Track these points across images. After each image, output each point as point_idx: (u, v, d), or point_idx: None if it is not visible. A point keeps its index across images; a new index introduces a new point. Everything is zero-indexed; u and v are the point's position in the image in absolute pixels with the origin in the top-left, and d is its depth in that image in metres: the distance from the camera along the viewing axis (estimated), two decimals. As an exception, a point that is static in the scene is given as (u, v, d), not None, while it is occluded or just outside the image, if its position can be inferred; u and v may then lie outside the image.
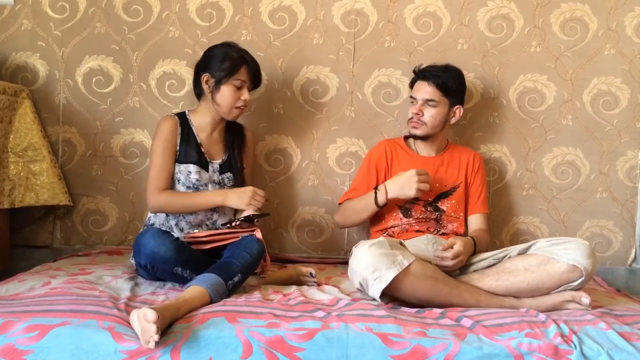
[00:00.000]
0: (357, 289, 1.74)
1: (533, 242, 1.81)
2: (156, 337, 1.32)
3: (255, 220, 1.94)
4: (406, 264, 1.63)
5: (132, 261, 1.97)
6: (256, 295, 1.71)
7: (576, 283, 1.68)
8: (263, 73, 2.39)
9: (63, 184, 2.35)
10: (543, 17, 2.41)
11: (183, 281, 1.79)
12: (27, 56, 2.42)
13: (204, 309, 1.53)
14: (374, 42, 2.42)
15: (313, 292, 1.79)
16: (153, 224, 2.04)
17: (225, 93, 2.02)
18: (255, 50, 2.39)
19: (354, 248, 1.86)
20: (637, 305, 1.81)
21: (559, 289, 1.70)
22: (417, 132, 2.13)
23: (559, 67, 2.42)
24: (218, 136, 2.14)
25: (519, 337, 1.43)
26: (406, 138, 2.27)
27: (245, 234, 1.91)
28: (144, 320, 1.34)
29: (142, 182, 2.43)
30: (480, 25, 2.42)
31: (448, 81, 2.11)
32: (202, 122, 2.11)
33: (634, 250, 2.45)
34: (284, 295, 1.73)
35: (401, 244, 1.83)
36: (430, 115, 2.10)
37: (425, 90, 2.11)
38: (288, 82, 2.43)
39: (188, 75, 2.41)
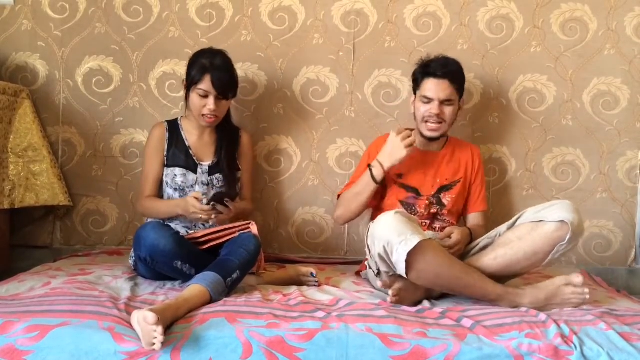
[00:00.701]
0: (379, 255, 1.69)
1: (519, 214, 1.84)
2: (161, 339, 1.32)
3: (224, 199, 1.90)
4: (427, 236, 1.68)
5: (131, 261, 1.98)
6: (256, 295, 1.71)
7: (567, 239, 1.71)
8: (262, 73, 2.41)
9: (63, 184, 2.35)
10: (543, 17, 2.41)
11: (182, 276, 1.80)
12: (27, 56, 2.42)
13: (204, 309, 1.53)
14: (374, 43, 2.42)
15: (313, 293, 1.79)
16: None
17: (193, 100, 2.04)
18: (255, 51, 2.40)
19: (370, 224, 1.83)
20: (638, 306, 1.81)
21: (555, 252, 1.73)
22: (437, 133, 2.08)
23: (559, 68, 2.42)
24: (209, 138, 2.16)
25: (519, 337, 1.43)
26: None
27: (242, 231, 1.91)
28: (144, 323, 1.34)
29: (142, 182, 2.43)
30: (480, 25, 2.42)
31: (459, 77, 2.08)
32: (190, 125, 2.15)
33: (634, 250, 2.45)
34: (284, 295, 1.73)
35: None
36: (448, 114, 2.06)
37: (443, 88, 2.03)
38: (288, 82, 2.43)
39: (188, 75, 2.41)
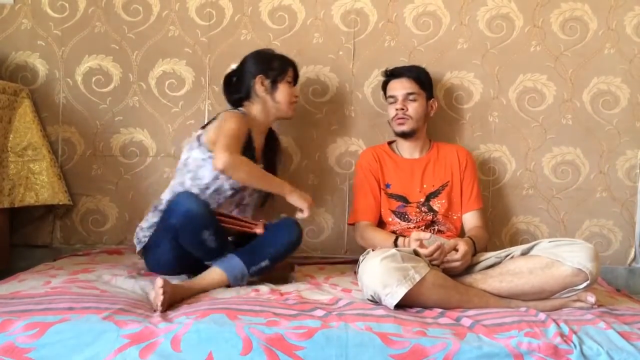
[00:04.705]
0: (370, 300, 1.69)
1: (536, 242, 1.80)
2: (161, 299, 1.52)
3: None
4: (418, 279, 1.60)
5: (139, 245, 1.95)
6: (256, 294, 1.71)
7: (581, 287, 1.68)
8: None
9: (63, 183, 2.35)
10: (543, 16, 2.41)
11: (203, 251, 1.79)
12: (26, 55, 2.42)
13: (204, 306, 1.55)
14: (373, 42, 2.42)
15: (312, 292, 1.79)
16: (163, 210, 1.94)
17: (284, 91, 2.08)
18: (255, 50, 2.40)
19: (361, 257, 1.85)
20: (637, 305, 1.81)
21: (564, 292, 1.70)
22: (405, 127, 2.15)
23: (558, 67, 2.42)
24: (261, 142, 2.13)
25: (519, 336, 1.43)
26: (389, 144, 2.28)
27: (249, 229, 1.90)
28: (154, 286, 1.55)
29: (142, 181, 2.43)
30: (480, 24, 2.42)
31: (420, 75, 2.20)
32: (255, 126, 2.07)
33: (633, 249, 2.45)
34: (281, 294, 1.73)
35: (415, 253, 1.77)
36: (413, 108, 2.15)
37: (403, 85, 2.16)
38: (288, 81, 2.43)
39: (188, 74, 2.41)
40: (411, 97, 2.15)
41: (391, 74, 2.22)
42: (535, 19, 2.41)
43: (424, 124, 2.21)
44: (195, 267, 1.83)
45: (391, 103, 2.19)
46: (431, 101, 2.22)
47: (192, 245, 1.81)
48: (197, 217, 1.75)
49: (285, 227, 1.85)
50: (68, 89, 2.43)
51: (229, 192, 1.97)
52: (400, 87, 2.16)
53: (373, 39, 2.42)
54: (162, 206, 1.93)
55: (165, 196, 1.98)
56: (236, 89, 2.11)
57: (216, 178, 1.93)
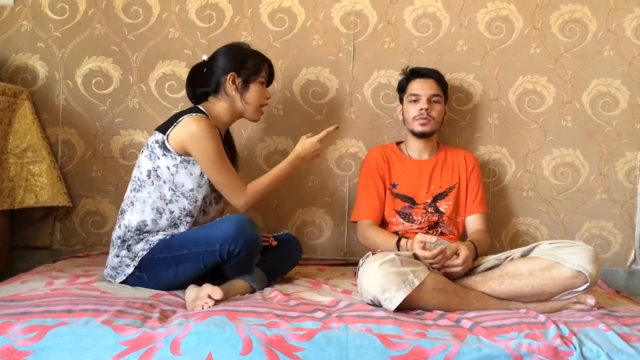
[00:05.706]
0: (369, 303, 1.68)
1: (536, 244, 1.81)
2: (211, 303, 1.60)
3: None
4: (417, 283, 1.60)
5: (129, 269, 1.83)
6: (256, 295, 1.72)
7: (580, 289, 1.68)
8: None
9: (62, 185, 2.35)
10: (542, 18, 2.41)
11: (244, 270, 1.82)
12: (26, 57, 2.42)
13: (205, 309, 1.56)
14: (373, 44, 2.42)
15: (312, 294, 1.79)
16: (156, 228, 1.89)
17: (256, 92, 1.98)
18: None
19: (361, 261, 1.85)
20: (637, 307, 1.81)
21: (563, 294, 1.70)
22: (426, 128, 2.13)
23: (558, 69, 2.42)
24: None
25: (519, 338, 1.43)
26: (398, 144, 2.27)
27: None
28: (202, 292, 1.64)
29: (142, 183, 2.43)
30: (480, 26, 2.42)
31: (442, 79, 2.20)
32: (219, 124, 1.97)
33: (633, 251, 2.45)
34: (284, 295, 1.74)
35: (415, 257, 1.76)
36: (437, 111, 2.15)
37: (430, 86, 2.15)
38: (288, 83, 2.43)
39: (188, 76, 2.41)
40: (435, 99, 2.14)
41: (416, 74, 2.19)
42: (535, 20, 2.41)
43: (439, 128, 2.21)
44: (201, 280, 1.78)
45: (412, 102, 2.15)
46: (445, 106, 2.22)
47: (241, 268, 1.80)
48: (259, 244, 1.79)
49: (294, 244, 2.07)
50: (68, 90, 2.43)
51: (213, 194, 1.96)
52: (427, 87, 2.14)
53: (373, 40, 2.42)
54: (162, 229, 1.86)
55: (144, 216, 1.86)
56: (204, 82, 1.98)
57: (197, 179, 1.87)
